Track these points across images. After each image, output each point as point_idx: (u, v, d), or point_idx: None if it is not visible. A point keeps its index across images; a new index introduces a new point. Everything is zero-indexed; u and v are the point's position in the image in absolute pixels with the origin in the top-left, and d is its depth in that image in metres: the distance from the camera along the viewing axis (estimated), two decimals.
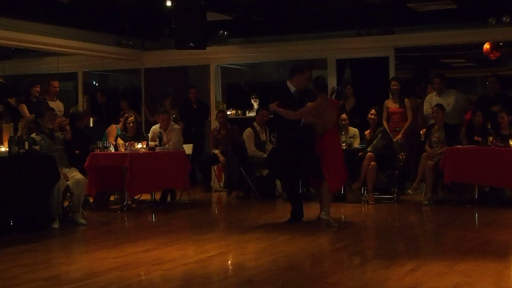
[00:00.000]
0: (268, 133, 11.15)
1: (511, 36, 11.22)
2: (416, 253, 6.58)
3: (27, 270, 5.79)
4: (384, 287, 5.17)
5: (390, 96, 10.99)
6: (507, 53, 11.80)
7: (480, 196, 9.73)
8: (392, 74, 11.72)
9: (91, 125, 13.05)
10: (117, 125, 10.80)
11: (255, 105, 12.82)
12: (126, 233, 8.19)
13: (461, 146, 9.62)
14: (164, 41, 13.06)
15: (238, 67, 14.40)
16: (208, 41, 11.44)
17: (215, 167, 12.07)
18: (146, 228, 8.52)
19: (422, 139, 10.46)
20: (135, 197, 10.30)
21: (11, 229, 7.64)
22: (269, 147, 10.82)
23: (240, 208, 10.25)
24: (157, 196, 10.44)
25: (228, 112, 12.77)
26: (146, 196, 10.48)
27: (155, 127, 10.58)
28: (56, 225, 7.91)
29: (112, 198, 10.70)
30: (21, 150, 7.76)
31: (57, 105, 10.17)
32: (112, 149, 9.71)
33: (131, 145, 9.71)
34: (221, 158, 11.37)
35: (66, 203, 8.51)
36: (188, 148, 10.89)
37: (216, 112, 12.51)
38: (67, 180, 8.23)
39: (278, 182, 10.83)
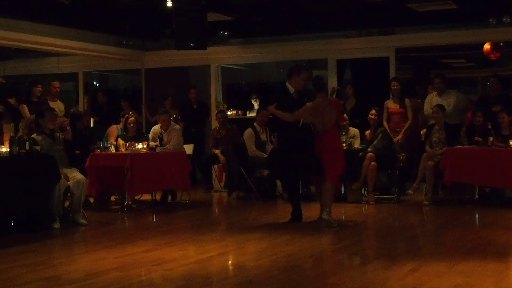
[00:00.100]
0: (268, 133, 11.15)
1: (511, 36, 11.22)
2: (417, 253, 6.58)
3: (27, 270, 5.80)
4: (384, 287, 5.17)
5: (391, 96, 10.99)
6: (508, 53, 11.78)
7: (481, 196, 9.74)
8: (392, 74, 11.72)
9: (92, 125, 13.03)
10: (118, 126, 10.79)
11: (256, 106, 12.82)
12: (126, 233, 8.18)
13: (462, 146, 9.63)
14: (164, 41, 13.04)
15: (238, 67, 14.38)
16: (209, 41, 11.43)
17: (215, 167, 12.08)
18: (147, 228, 8.53)
19: (422, 139, 10.46)
20: (136, 197, 10.32)
21: (12, 229, 7.66)
22: (270, 147, 10.80)
23: (241, 209, 10.26)
24: (158, 196, 10.44)
25: (229, 113, 12.77)
26: (146, 196, 10.49)
27: (156, 127, 10.58)
28: (56, 225, 7.92)
29: (112, 198, 10.69)
30: (22, 151, 7.76)
31: (58, 106, 10.15)
32: (112, 149, 9.72)
33: (131, 145, 9.72)
34: (222, 158, 11.38)
35: (66, 203, 8.51)
36: (188, 148, 10.89)
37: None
38: (68, 180, 8.23)
39: (278, 183, 10.84)
